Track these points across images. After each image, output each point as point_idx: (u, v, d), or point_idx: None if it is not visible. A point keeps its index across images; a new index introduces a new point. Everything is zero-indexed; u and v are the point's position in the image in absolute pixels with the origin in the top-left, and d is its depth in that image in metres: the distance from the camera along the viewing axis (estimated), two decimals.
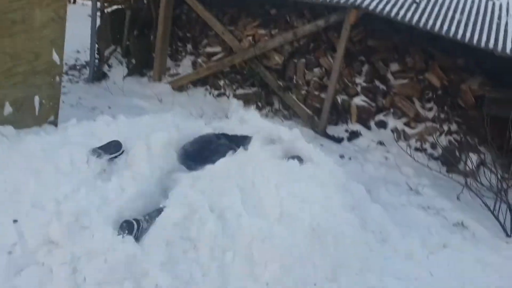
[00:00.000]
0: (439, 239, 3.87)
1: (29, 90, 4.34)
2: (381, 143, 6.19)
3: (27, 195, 2.63)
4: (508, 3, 6.31)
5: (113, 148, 3.09)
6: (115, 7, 8.18)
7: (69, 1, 18.07)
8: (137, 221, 2.58)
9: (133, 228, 2.52)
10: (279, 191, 3.06)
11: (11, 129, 4.06)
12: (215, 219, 2.71)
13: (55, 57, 4.54)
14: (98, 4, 7.75)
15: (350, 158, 5.65)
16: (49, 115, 4.68)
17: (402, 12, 5.64)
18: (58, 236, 2.43)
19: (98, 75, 7.49)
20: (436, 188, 5.09)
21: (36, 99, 4.46)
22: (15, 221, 2.50)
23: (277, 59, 6.90)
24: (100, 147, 3.14)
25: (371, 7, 5.68)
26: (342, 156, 5.64)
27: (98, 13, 7.60)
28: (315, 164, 3.66)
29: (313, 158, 3.76)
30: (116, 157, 3.12)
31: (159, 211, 2.71)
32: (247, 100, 7.09)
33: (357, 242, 3.20)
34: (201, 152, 3.39)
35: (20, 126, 4.31)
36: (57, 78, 4.65)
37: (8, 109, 4.19)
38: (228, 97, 7.28)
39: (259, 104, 7.05)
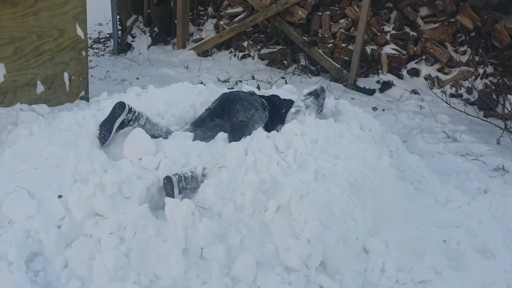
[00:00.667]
0: (480, 185, 3.78)
1: (58, 67, 4.41)
2: (414, 92, 6.03)
3: (68, 170, 2.69)
4: None
5: (118, 111, 2.90)
6: None
7: None
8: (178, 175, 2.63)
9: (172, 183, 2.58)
10: (314, 149, 3.04)
11: (45, 107, 4.17)
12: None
13: (79, 32, 4.56)
14: None
15: (383, 110, 5.54)
16: (79, 91, 4.76)
17: None
18: (103, 207, 2.50)
19: (123, 47, 7.53)
20: (474, 133, 4.95)
21: (66, 75, 4.53)
22: (60, 196, 2.58)
23: (301, 13, 6.72)
24: (105, 120, 2.95)
25: None
26: (375, 108, 5.53)
27: None
28: (349, 119, 3.61)
29: (346, 113, 3.71)
30: (128, 117, 2.96)
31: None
32: (272, 59, 6.99)
33: (396, 194, 3.17)
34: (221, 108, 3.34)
35: (53, 103, 4.41)
36: (83, 53, 4.69)
37: (40, 87, 4.28)
38: (253, 57, 7.20)
39: (285, 62, 6.95)
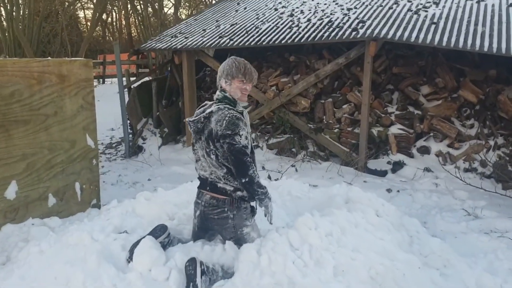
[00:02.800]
0: (510, 264, 3.57)
1: (69, 177, 4.46)
2: (427, 169, 5.94)
3: None
4: None
5: (158, 232, 2.95)
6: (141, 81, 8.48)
7: (98, 82, 18.96)
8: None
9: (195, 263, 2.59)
10: (330, 242, 2.92)
11: (56, 219, 4.14)
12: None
13: (90, 141, 4.68)
14: (124, 81, 8.06)
15: (398, 191, 5.43)
16: (91, 199, 4.77)
17: (422, 35, 5.56)
18: None
19: (134, 150, 7.68)
20: (495, 208, 4.78)
21: (77, 185, 4.57)
22: None
23: (304, 103, 6.89)
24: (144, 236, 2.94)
25: (389, 36, 5.62)
26: (389, 190, 5.43)
27: (126, 90, 7.87)
28: (362, 206, 3.51)
29: (359, 200, 3.62)
30: (164, 241, 3.00)
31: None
32: (281, 148, 7.05)
33: (421, 282, 2.98)
34: None
35: (65, 214, 4.40)
36: (94, 161, 4.77)
37: (52, 200, 4.30)
38: (262, 148, 7.26)
39: (294, 150, 6.99)
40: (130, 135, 7.92)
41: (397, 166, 6.08)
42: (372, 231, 3.22)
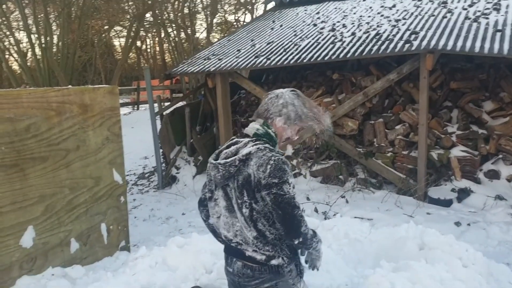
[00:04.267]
0: None
1: (94, 219, 3.97)
2: (499, 197, 5.14)
3: None
4: None
5: None
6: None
7: (133, 108, 18.82)
8: None
9: None
10: None
11: (79, 268, 3.63)
12: None
13: (117, 177, 4.19)
14: (157, 107, 7.65)
15: (468, 224, 4.67)
16: (119, 241, 4.26)
17: (487, 45, 4.86)
18: None
19: (167, 180, 7.19)
20: None
21: (103, 226, 4.07)
22: None
23: (351, 124, 6.24)
24: None
25: (449, 47, 4.95)
26: (458, 223, 4.68)
27: (158, 116, 7.44)
28: (443, 254, 2.83)
29: (438, 246, 2.94)
30: None
31: None
32: (326, 176, 6.39)
33: None
34: None
35: (89, 260, 3.90)
36: (122, 199, 4.27)
37: (74, 245, 3.80)
38: (304, 176, 6.63)
39: (341, 177, 6.32)
40: (163, 165, 7.44)
41: (463, 194, 5.30)
42: None
